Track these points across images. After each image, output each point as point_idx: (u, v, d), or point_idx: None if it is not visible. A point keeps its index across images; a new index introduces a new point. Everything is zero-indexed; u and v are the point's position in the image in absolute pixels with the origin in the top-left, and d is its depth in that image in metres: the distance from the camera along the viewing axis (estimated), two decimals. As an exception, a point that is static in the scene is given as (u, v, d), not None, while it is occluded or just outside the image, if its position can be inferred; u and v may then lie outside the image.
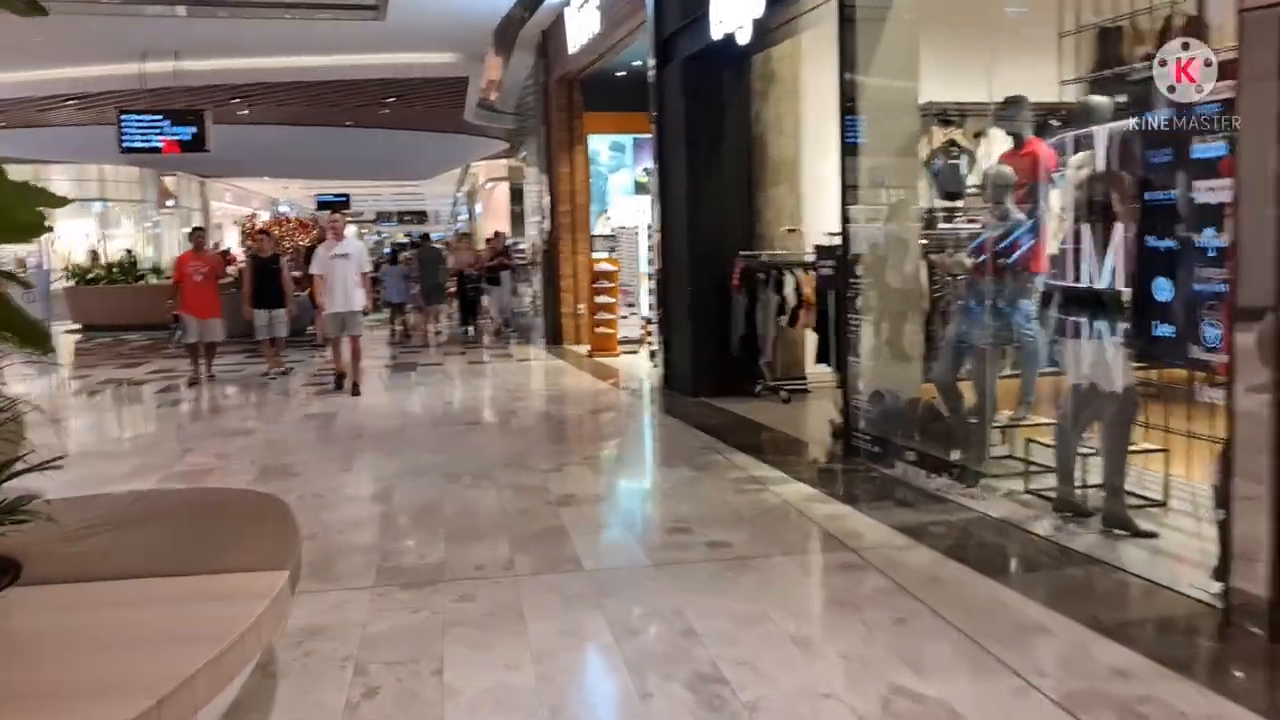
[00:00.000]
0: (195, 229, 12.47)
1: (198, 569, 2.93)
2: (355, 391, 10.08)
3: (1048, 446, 5.66)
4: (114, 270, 19.82)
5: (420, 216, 59.06)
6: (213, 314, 11.67)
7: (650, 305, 12.10)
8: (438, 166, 33.20)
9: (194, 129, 15.65)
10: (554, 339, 14.84)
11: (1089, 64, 5.01)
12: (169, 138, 15.60)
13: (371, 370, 12.46)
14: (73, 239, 31.72)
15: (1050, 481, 5.48)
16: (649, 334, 12.77)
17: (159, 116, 15.61)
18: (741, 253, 9.25)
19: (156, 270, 21.49)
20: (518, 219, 35.48)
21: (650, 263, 12.20)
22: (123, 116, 15.59)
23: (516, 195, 36.11)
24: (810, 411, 8.81)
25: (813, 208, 9.70)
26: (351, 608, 4.10)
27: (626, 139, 14.67)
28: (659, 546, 4.87)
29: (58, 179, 32.61)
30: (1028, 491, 5.53)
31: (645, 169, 14.81)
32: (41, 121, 22.52)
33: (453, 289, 16.99)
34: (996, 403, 5.85)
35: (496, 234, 22.43)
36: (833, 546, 4.80)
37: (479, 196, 39.01)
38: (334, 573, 4.58)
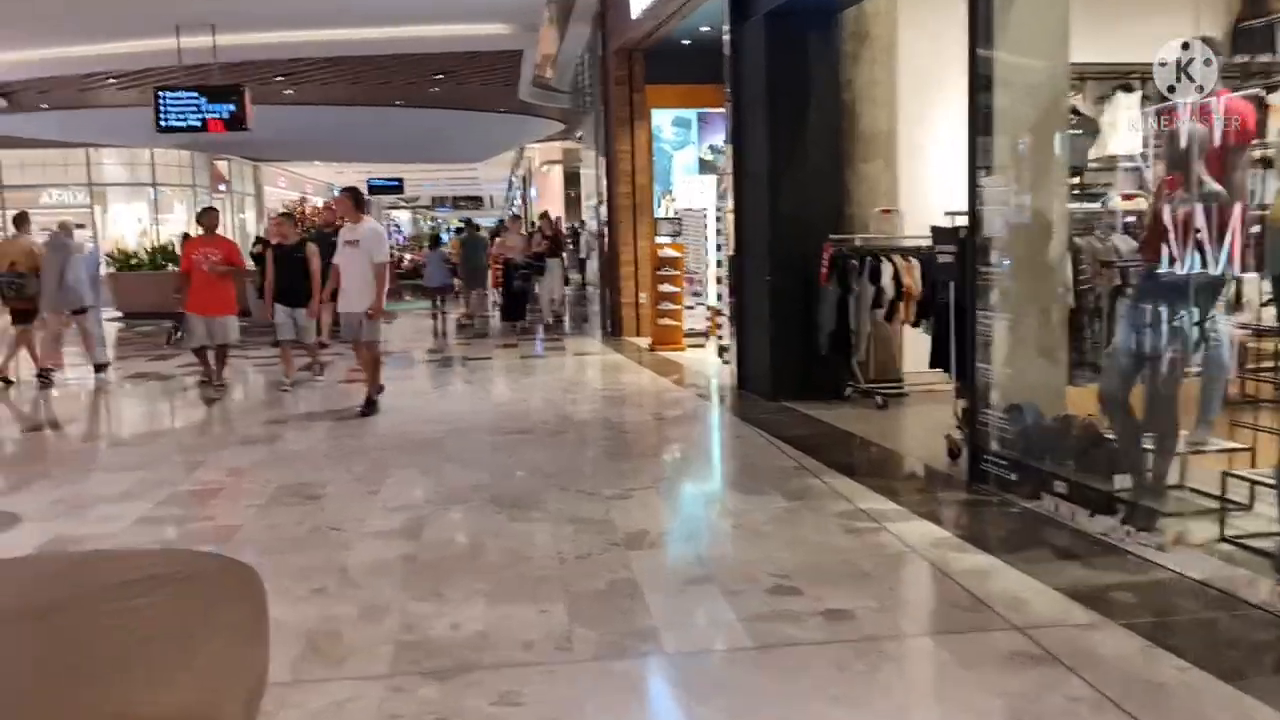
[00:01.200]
0: (205, 209, 10.67)
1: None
2: (368, 409, 8.22)
3: (1249, 481, 4.45)
4: (156, 255, 19.08)
5: (475, 201, 58.47)
6: (225, 310, 9.87)
7: (720, 295, 10.96)
8: (491, 149, 32.27)
9: (233, 106, 14.78)
10: (612, 331, 13.76)
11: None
12: (208, 116, 14.74)
13: (411, 367, 11.48)
14: (126, 223, 31.36)
15: (1255, 525, 4.29)
16: (717, 326, 11.64)
17: (196, 94, 14.76)
18: (832, 237, 8.07)
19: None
20: (573, 203, 34.55)
21: (720, 248, 11.04)
22: (160, 93, 14.77)
23: (572, 179, 35.17)
24: (911, 421, 7.63)
25: (910, 186, 8.50)
26: (357, 712, 3.05)
27: (691, 114, 13.51)
28: (761, 616, 3.75)
29: (109, 163, 32.33)
30: (1226, 540, 4.33)
31: (712, 146, 13.67)
32: (86, 103, 21.89)
33: (498, 278, 15.96)
34: (1178, 423, 4.64)
35: (545, 215, 21.47)
36: (990, 622, 3.64)
37: (533, 180, 38.11)
38: (342, 649, 3.54)
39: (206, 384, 9.89)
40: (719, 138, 13.65)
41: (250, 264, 13.78)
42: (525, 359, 12.09)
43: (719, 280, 10.99)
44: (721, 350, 10.90)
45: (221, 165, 36.55)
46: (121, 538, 4.96)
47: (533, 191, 38.31)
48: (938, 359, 6.87)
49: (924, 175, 8.38)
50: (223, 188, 36.81)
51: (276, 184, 43.54)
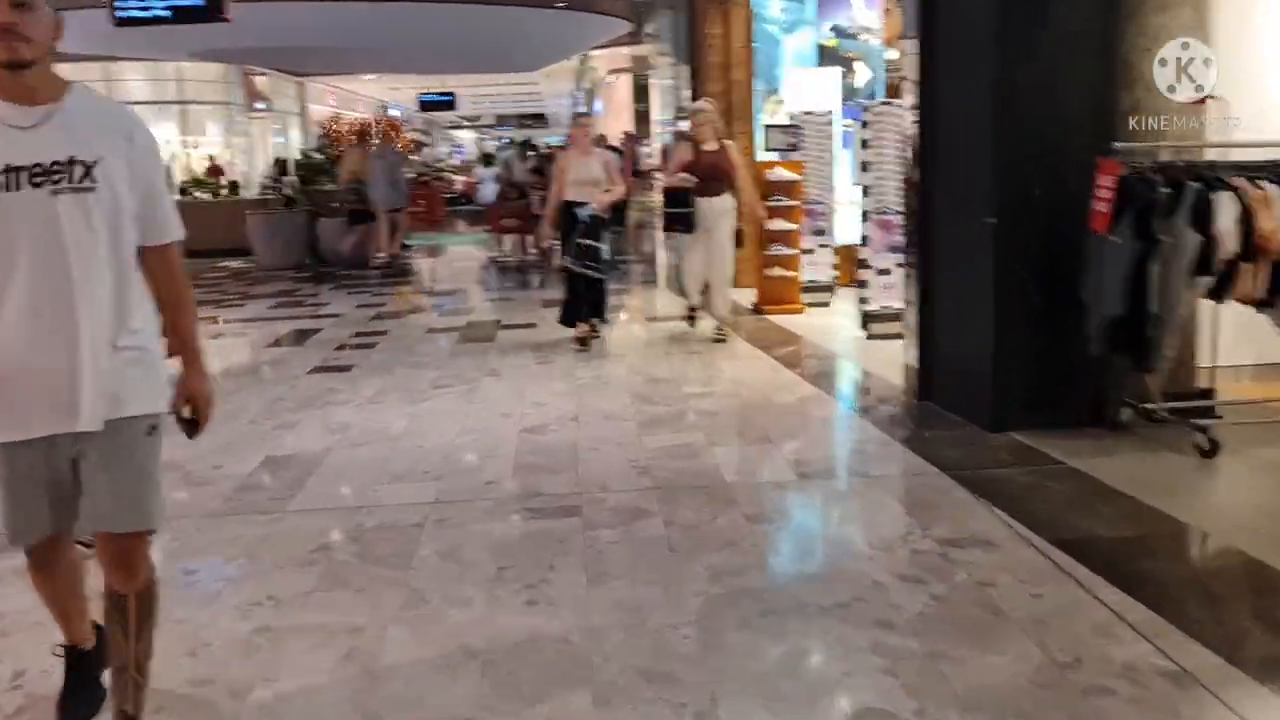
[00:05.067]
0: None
1: None
2: None
3: None
4: (197, 183, 15.99)
5: (539, 119, 54.75)
6: None
7: (879, 243, 7.42)
8: (548, 54, 28.46)
9: (206, -12, 11.43)
10: (697, 281, 10.30)
11: None
12: (174, 1, 11.42)
13: (416, 346, 8.18)
14: (152, 147, 28.37)
15: None
16: (852, 276, 8.17)
17: (160, -28, 11.44)
18: (1117, 146, 4.52)
19: (235, 185, 17.66)
20: (643, 118, 30.73)
21: (865, 167, 7.46)
22: (111, -29, 11.49)
23: (641, 92, 31.30)
24: (1271, 479, 4.15)
25: (1242, 58, 4.91)
26: None
27: (809, -20, 9.88)
28: None
29: (132, 78, 29.32)
30: None
31: (836, 27, 9.98)
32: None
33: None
34: None
35: (628, 135, 18.02)
36: None
37: (598, 93, 34.33)
38: None
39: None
40: (844, 14, 9.96)
41: None
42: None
43: (881, 221, 7.43)
44: (867, 320, 7.40)
45: (260, 81, 33.43)
46: None
47: (598, 105, 34.52)
48: None
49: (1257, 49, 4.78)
50: (260, 105, 33.72)
51: (326, 102, 40.33)
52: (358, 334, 8.46)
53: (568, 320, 7.50)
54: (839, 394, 6.00)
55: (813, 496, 4.29)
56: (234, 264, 14.26)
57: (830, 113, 8.97)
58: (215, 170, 19.00)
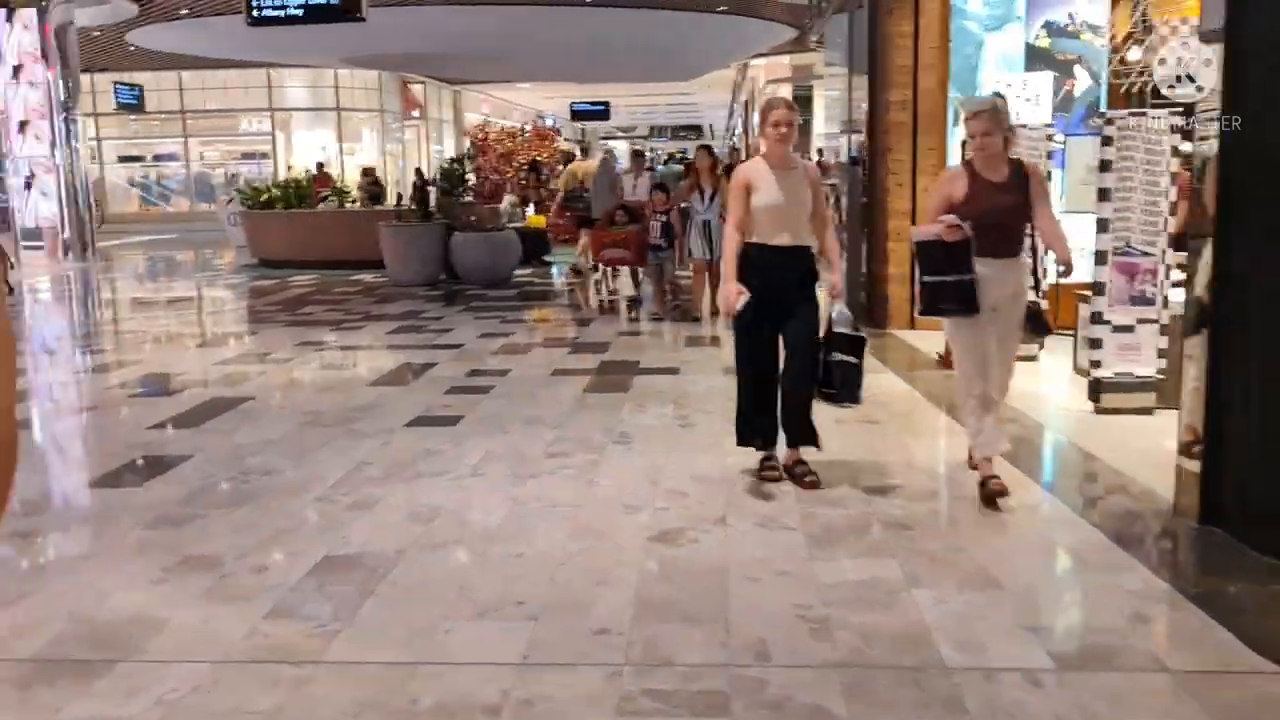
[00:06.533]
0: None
1: None
2: None
3: None
4: (289, 191, 15.52)
5: (695, 131, 53.80)
6: None
7: (1120, 292, 5.83)
8: (705, 63, 27.26)
9: (344, -14, 10.66)
10: (868, 318, 8.86)
11: None
12: (309, 0, 10.69)
13: (549, 384, 6.97)
14: (309, 152, 28.58)
15: None
16: (1063, 325, 6.63)
17: (296, -31, 10.73)
18: None
19: (341, 192, 17.10)
20: (802, 131, 29.10)
21: (1104, 198, 5.87)
22: (249, -30, 10.86)
23: (803, 104, 29.76)
24: None
25: None
26: None
27: (1019, -31, 8.30)
28: None
29: (291, 85, 29.67)
30: None
31: (1049, 24, 8.38)
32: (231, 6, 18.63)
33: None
34: None
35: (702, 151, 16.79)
36: None
37: (757, 104, 32.96)
38: None
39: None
40: (1062, 10, 8.37)
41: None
42: (696, 371, 7.34)
43: (1160, 260, 5.84)
44: (1099, 389, 5.82)
45: (416, 90, 33.45)
46: None
47: (755, 118, 33.18)
48: None
49: None
50: (415, 114, 33.75)
51: (480, 110, 40.27)
52: (474, 372, 7.37)
53: (748, 438, 4.80)
54: (1078, 504, 4.47)
55: (1089, 708, 2.82)
56: (367, 278, 13.56)
57: (1050, 126, 7.40)
58: (324, 179, 18.36)
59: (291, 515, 4.38)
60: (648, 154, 30.48)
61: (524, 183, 18.35)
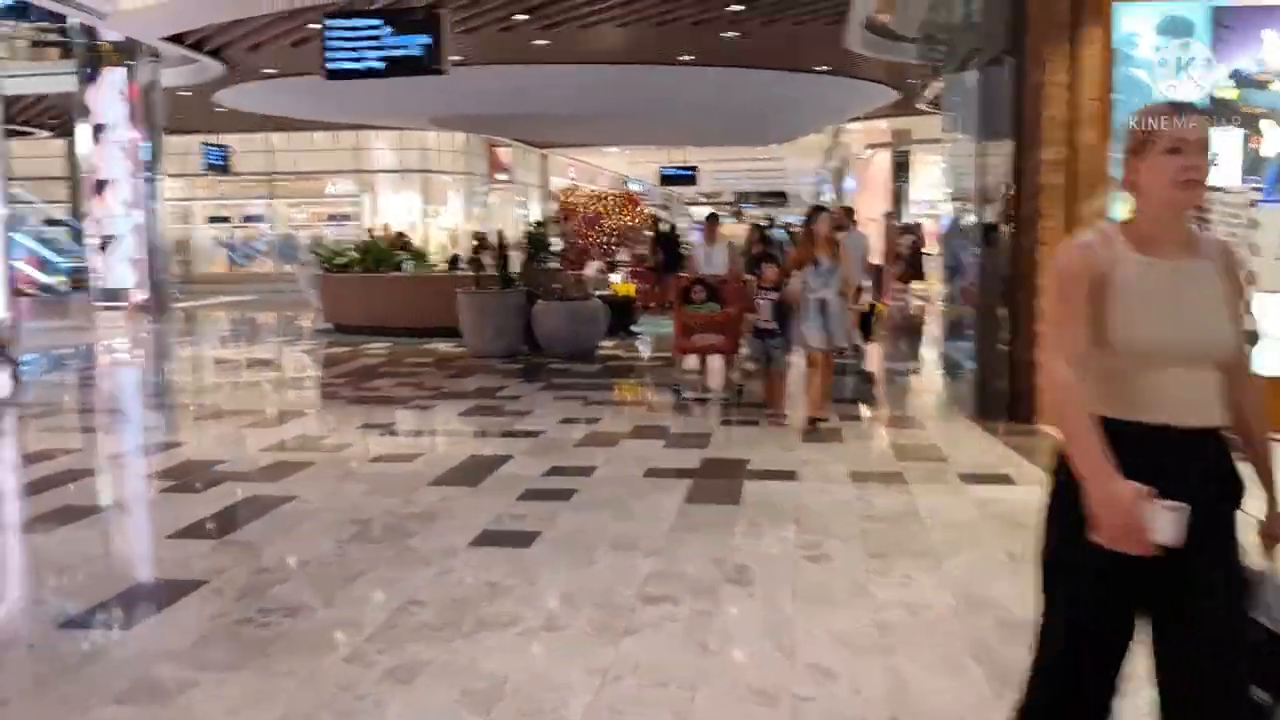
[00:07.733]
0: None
1: None
2: None
3: None
4: (368, 255, 14.84)
5: (780, 197, 52.78)
6: None
7: None
8: (803, 124, 26.29)
9: (426, 38, 9.91)
10: (1009, 412, 7.56)
11: None
12: (391, 52, 9.96)
13: (644, 488, 5.82)
14: (395, 214, 28.26)
15: None
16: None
17: (376, 21, 10.02)
18: None
19: (420, 255, 16.40)
20: (899, 197, 27.86)
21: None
22: (327, 21, 10.18)
23: (901, 169, 28.50)
24: None
25: None
26: None
27: (1199, 6, 7.09)
28: None
29: (377, 147, 29.53)
30: None
31: (1237, 72, 7.15)
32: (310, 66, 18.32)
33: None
34: None
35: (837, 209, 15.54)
36: None
37: (850, 169, 31.83)
38: None
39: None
40: (1249, 57, 7.14)
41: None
42: (776, 493, 6.11)
43: None
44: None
45: (503, 152, 33.17)
46: None
47: (848, 183, 31.99)
48: None
49: None
50: (502, 176, 33.42)
51: (566, 174, 39.92)
52: (554, 470, 6.29)
53: None
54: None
55: None
56: (443, 346, 12.68)
57: (1248, 190, 6.15)
58: (398, 241, 17.63)
59: (307, 685, 3.30)
60: (763, 219, 28.11)
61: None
